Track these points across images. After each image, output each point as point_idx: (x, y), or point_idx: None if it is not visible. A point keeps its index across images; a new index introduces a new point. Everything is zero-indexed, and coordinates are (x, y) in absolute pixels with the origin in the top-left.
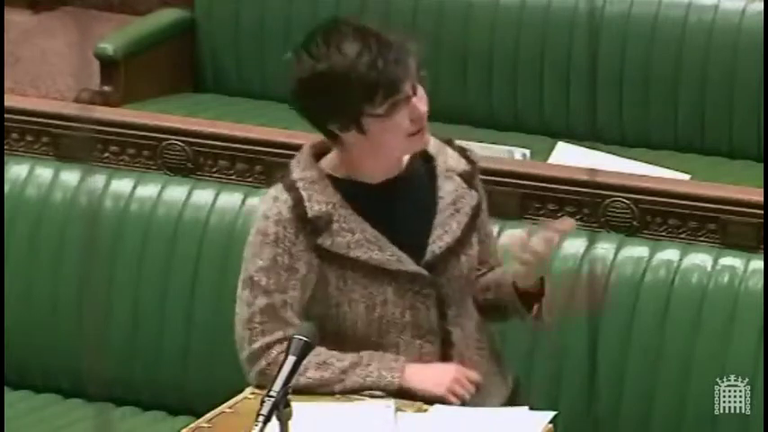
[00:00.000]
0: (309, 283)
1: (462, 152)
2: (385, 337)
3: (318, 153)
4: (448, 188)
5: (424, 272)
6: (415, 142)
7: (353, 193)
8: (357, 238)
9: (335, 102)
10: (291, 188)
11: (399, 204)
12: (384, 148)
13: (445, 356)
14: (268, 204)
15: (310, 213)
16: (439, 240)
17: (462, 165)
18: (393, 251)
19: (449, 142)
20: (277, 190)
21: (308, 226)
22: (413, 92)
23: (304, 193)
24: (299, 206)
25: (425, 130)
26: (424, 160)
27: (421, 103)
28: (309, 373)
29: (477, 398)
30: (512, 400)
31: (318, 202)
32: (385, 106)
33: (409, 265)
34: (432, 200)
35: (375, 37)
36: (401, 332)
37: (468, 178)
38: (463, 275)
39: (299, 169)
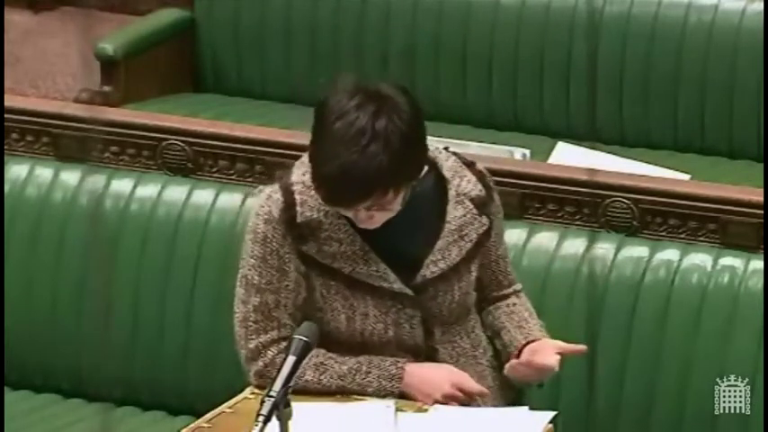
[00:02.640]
0: (301, 285)
1: (481, 177)
2: (369, 349)
3: None
4: (456, 213)
5: (409, 291)
6: (363, 225)
7: None
8: (344, 249)
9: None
10: (286, 190)
11: (398, 223)
12: None
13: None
14: (261, 203)
15: (299, 219)
16: (433, 265)
17: (477, 190)
18: (379, 267)
19: (470, 165)
20: (273, 189)
21: (295, 231)
22: (369, 208)
23: (297, 197)
24: (289, 209)
25: (377, 223)
26: (438, 182)
27: (379, 211)
28: (308, 375)
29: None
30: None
31: (311, 208)
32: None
33: (394, 282)
34: (438, 223)
35: (368, 148)
36: (384, 346)
37: (480, 204)
38: (454, 301)
39: (299, 172)
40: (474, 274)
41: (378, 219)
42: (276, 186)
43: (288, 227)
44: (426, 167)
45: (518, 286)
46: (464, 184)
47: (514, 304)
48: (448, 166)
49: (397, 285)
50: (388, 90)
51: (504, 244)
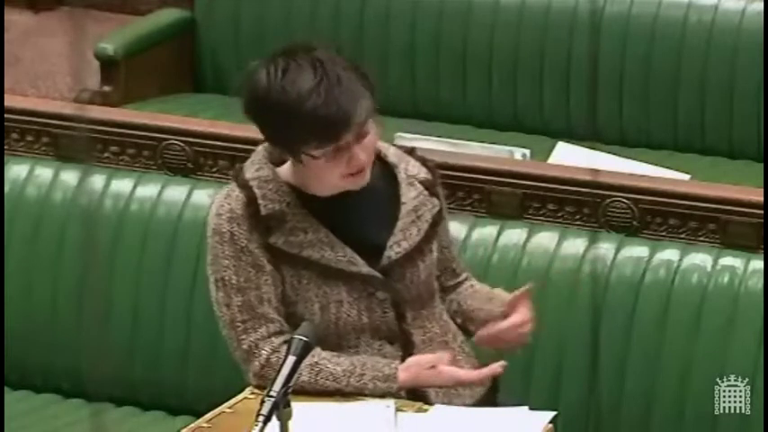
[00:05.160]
0: (277, 278)
1: (423, 161)
2: (344, 338)
3: (277, 158)
4: (410, 195)
5: (377, 274)
6: (351, 182)
7: (308, 197)
8: (310, 237)
9: (277, 133)
10: (245, 186)
11: (356, 209)
12: (321, 180)
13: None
14: (220, 202)
15: (263, 211)
16: (396, 246)
17: (423, 173)
18: (345, 252)
19: (410, 152)
20: (230, 188)
21: (261, 224)
22: (356, 139)
23: (258, 191)
24: (251, 204)
25: (364, 172)
26: (385, 169)
27: (363, 150)
28: (304, 376)
29: (444, 397)
30: (487, 399)
31: (272, 200)
32: (321, 151)
33: (362, 266)
34: (394, 206)
35: (328, 76)
36: (360, 334)
37: (428, 186)
38: (421, 281)
39: (252, 169)
40: (435, 254)
41: (366, 156)
42: (233, 185)
43: (253, 221)
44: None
45: (468, 274)
46: (411, 168)
47: (472, 285)
48: (391, 153)
49: (366, 269)
50: (304, 45)
51: (449, 232)
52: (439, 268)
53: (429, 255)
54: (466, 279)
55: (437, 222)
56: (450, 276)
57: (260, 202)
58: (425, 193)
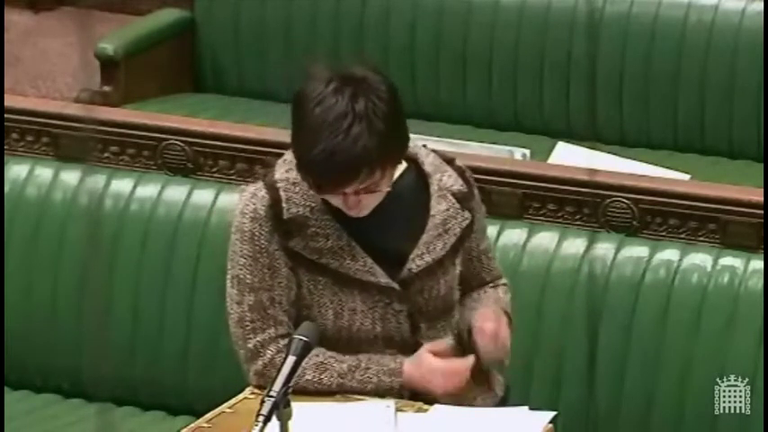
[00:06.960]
0: (292, 280)
1: (461, 172)
2: (355, 345)
3: None
4: (440, 207)
5: (396, 286)
6: (348, 210)
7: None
8: (330, 244)
9: (292, 139)
10: (271, 187)
11: (382, 217)
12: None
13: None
14: (246, 201)
15: (286, 215)
16: (419, 259)
17: (458, 185)
18: (366, 261)
19: (450, 161)
20: (256, 187)
21: (282, 227)
22: (355, 192)
23: (283, 194)
24: (275, 206)
25: (362, 211)
26: (419, 177)
27: (366, 196)
28: (308, 375)
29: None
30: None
31: (296, 204)
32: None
33: (381, 277)
34: (422, 217)
35: (349, 131)
36: (372, 342)
37: (461, 198)
38: (440, 295)
39: (282, 169)
40: (458, 268)
41: (366, 203)
42: (260, 184)
43: (275, 223)
44: (406, 164)
45: (501, 280)
46: (445, 179)
47: (485, 291)
48: (429, 161)
49: (384, 280)
50: (362, 72)
51: (488, 240)
52: (467, 277)
53: (451, 269)
54: (488, 283)
55: (466, 236)
56: (477, 284)
57: (284, 205)
58: (457, 205)
